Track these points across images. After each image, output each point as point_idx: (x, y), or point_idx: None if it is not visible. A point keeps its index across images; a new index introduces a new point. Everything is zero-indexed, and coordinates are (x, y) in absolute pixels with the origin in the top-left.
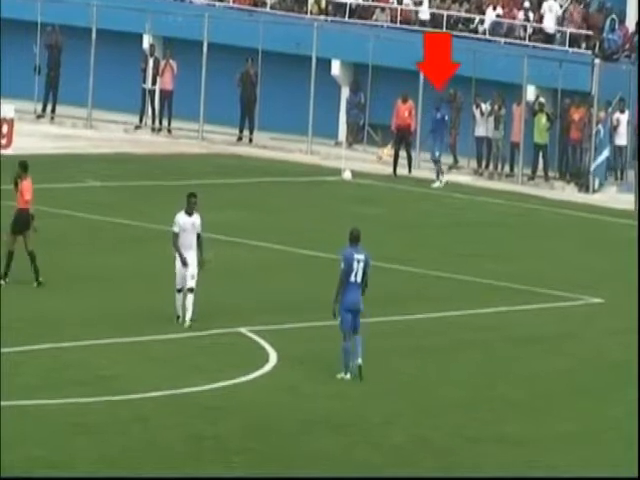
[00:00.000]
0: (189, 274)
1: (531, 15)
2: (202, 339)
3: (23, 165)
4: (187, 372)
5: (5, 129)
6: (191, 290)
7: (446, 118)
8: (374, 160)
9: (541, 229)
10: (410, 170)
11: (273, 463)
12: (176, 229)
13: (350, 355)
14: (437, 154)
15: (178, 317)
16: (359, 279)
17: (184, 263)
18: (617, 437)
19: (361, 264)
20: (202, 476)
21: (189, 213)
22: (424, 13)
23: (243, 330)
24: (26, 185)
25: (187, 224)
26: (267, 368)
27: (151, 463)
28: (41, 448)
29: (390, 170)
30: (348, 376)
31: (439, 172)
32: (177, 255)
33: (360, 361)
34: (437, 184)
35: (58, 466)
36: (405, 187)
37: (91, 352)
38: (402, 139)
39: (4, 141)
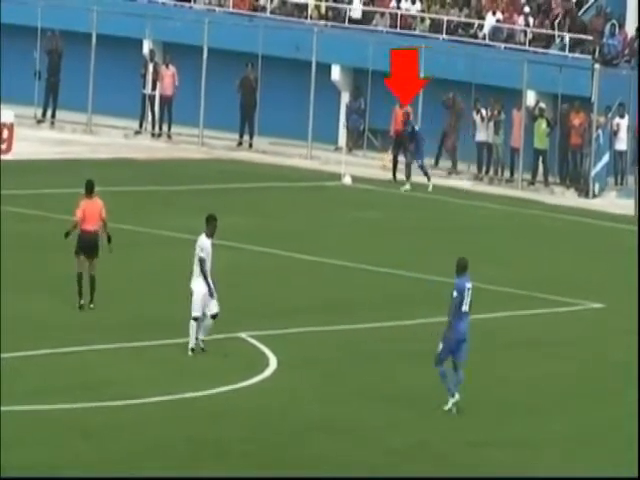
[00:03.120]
0: (214, 300)
1: (531, 20)
2: (203, 344)
3: (85, 185)
4: (188, 377)
5: (5, 134)
6: (215, 316)
7: (416, 128)
8: (374, 165)
9: (541, 234)
10: (409, 177)
11: (273, 467)
12: (204, 255)
13: (447, 379)
14: (420, 161)
15: (193, 349)
16: (468, 308)
17: (211, 294)
18: (617, 437)
19: (470, 292)
20: (202, 477)
21: (210, 236)
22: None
23: (243, 335)
24: (82, 204)
25: (210, 248)
26: (267, 373)
27: (152, 467)
28: (42, 452)
29: (390, 175)
30: (457, 397)
31: (428, 176)
32: (205, 283)
33: (457, 396)
34: (430, 187)
35: (59, 470)
36: (405, 192)
37: (92, 357)
38: (400, 144)
39: (4, 146)
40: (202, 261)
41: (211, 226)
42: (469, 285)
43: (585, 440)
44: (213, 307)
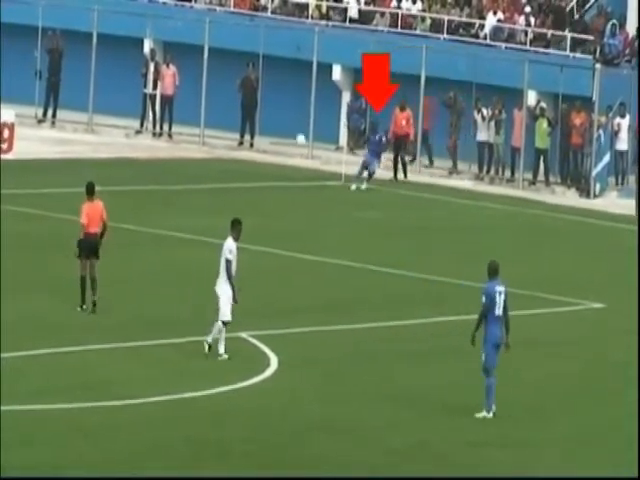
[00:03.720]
0: (229, 307)
1: (532, 20)
2: (204, 344)
3: (86, 187)
4: (189, 377)
5: (6, 134)
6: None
7: (383, 140)
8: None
9: (542, 234)
10: (406, 175)
11: (274, 467)
12: (231, 257)
13: (493, 392)
14: (374, 168)
15: (210, 346)
16: (501, 312)
17: (235, 299)
18: (617, 437)
19: (502, 296)
20: (203, 477)
21: (236, 239)
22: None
23: (244, 335)
24: (84, 208)
25: (235, 251)
26: (268, 373)
27: (153, 467)
28: (43, 452)
29: (390, 175)
30: (490, 415)
31: (359, 177)
32: (231, 288)
33: (491, 415)
34: (354, 187)
35: (60, 470)
36: (405, 192)
37: (92, 357)
38: (399, 147)
39: (5, 146)
40: (229, 262)
41: (236, 230)
42: (500, 288)
43: (585, 440)
44: (227, 314)
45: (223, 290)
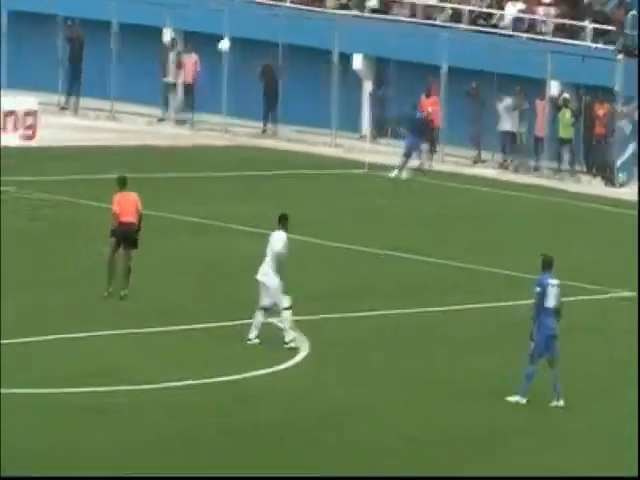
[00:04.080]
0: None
1: (552, 10)
2: (233, 329)
3: (118, 180)
4: (216, 363)
5: (30, 121)
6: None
7: (425, 115)
8: (398, 153)
9: (567, 222)
10: (431, 163)
11: (293, 458)
12: (285, 251)
13: (532, 381)
14: (417, 153)
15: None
16: (554, 304)
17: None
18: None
19: (555, 289)
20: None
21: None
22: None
23: (274, 321)
24: (116, 197)
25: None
26: (297, 359)
27: (175, 454)
28: (58, 435)
29: (415, 163)
30: (524, 400)
31: (404, 166)
32: (279, 277)
33: (562, 403)
34: (395, 173)
35: (76, 454)
36: (429, 180)
37: (115, 343)
38: (423, 133)
39: (29, 133)
40: (281, 255)
41: (284, 224)
42: (553, 282)
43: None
44: (285, 300)
45: (273, 280)
